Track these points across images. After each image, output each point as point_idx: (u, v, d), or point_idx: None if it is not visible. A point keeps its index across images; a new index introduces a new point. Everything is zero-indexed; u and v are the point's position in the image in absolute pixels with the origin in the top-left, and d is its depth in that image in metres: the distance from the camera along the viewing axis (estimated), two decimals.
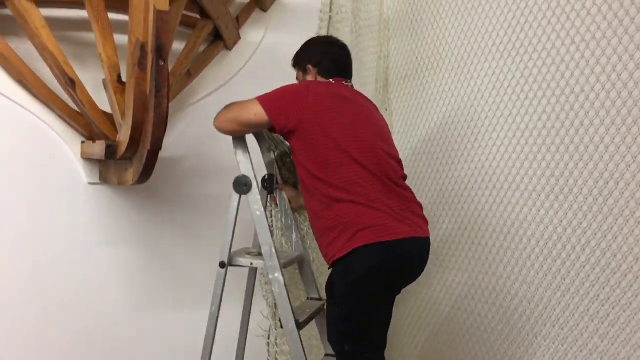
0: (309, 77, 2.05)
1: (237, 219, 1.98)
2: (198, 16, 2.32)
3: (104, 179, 2.19)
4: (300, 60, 2.10)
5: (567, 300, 2.12)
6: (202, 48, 2.45)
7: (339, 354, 1.86)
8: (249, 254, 2.08)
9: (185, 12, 2.20)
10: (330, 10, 2.75)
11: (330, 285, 1.85)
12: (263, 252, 1.90)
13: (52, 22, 1.99)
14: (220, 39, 2.47)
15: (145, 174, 1.85)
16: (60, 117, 2.13)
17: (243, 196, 1.94)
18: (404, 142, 2.81)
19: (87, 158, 2.16)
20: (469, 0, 2.49)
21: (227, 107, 1.92)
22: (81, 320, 2.17)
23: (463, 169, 2.51)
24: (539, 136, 2.21)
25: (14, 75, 2.02)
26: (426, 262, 1.90)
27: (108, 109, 2.05)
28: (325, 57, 2.04)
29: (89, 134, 2.16)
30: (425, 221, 1.91)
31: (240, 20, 2.55)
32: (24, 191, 2.09)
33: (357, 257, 1.74)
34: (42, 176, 2.14)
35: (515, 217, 2.29)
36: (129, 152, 1.87)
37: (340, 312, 1.82)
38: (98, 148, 2.00)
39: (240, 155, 1.94)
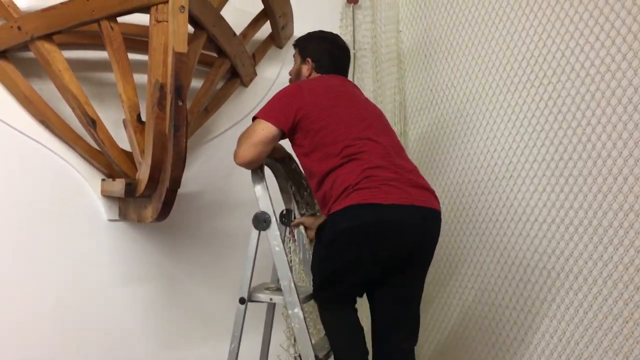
0: (305, 67, 2.09)
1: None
2: (215, 54, 2.36)
3: (123, 216, 2.22)
4: (304, 48, 2.12)
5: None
6: (219, 85, 2.49)
7: (314, 290, 1.93)
8: (267, 289, 2.07)
9: (202, 51, 2.24)
10: (354, 48, 2.79)
11: (320, 228, 1.92)
12: (282, 287, 1.90)
13: (73, 63, 2.03)
14: (237, 76, 2.52)
15: (164, 211, 1.87)
16: (82, 155, 2.17)
17: (262, 232, 1.94)
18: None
19: (107, 195, 2.19)
20: (482, 34, 2.51)
21: (239, 142, 1.94)
22: (101, 356, 2.18)
23: (480, 201, 2.50)
24: (556, 167, 2.20)
25: (37, 117, 2.07)
26: (430, 237, 1.85)
27: (128, 147, 2.09)
28: (326, 56, 2.08)
29: (109, 172, 2.19)
30: (432, 193, 1.86)
31: (256, 57, 2.59)
32: (46, 228, 2.12)
33: (348, 212, 1.75)
34: (63, 213, 2.17)
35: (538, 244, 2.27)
36: (148, 190, 1.89)
37: (321, 253, 1.88)
38: (118, 186, 2.03)
39: (259, 191, 1.95)
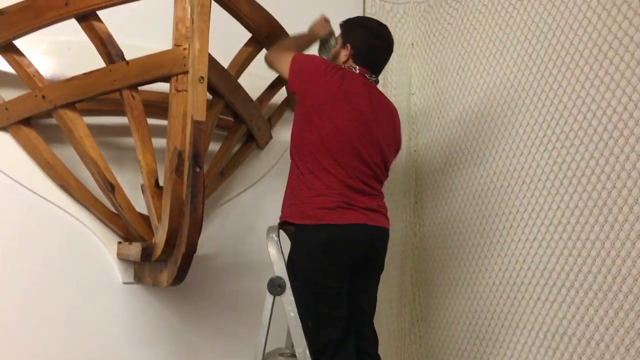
0: (343, 53, 2.08)
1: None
2: (232, 119, 2.41)
3: (138, 279, 2.23)
4: (347, 33, 2.11)
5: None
6: (235, 148, 2.53)
7: (305, 331, 1.90)
8: (282, 354, 2.05)
9: (219, 116, 2.29)
10: None
11: (289, 261, 1.94)
12: (297, 354, 1.87)
13: (94, 128, 2.09)
14: (253, 139, 2.56)
15: (180, 276, 1.87)
16: (99, 218, 2.20)
17: (277, 297, 1.93)
18: (433, 231, 2.81)
19: (123, 258, 2.20)
20: (494, 97, 2.54)
21: (280, 48, 2.10)
22: None
23: (497, 263, 2.48)
24: (572, 231, 2.19)
25: (57, 181, 2.12)
26: (379, 250, 2.02)
27: (145, 211, 2.11)
28: (366, 49, 2.06)
29: (126, 235, 2.22)
30: (385, 217, 2.04)
31: (272, 120, 2.64)
32: (62, 289, 2.14)
33: (310, 232, 1.89)
34: (79, 275, 2.19)
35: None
36: (164, 255, 1.90)
37: (299, 285, 1.91)
38: (134, 250, 2.04)
39: (274, 256, 1.95)
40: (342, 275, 1.92)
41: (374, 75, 2.09)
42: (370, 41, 2.08)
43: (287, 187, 2.02)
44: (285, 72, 2.01)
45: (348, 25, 2.13)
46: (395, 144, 2.15)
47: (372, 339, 2.06)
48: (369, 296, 2.07)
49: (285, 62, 2.01)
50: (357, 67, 2.05)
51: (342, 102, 1.94)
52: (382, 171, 2.06)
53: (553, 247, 2.26)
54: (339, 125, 1.92)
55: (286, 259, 1.95)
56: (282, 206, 2.02)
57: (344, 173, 1.92)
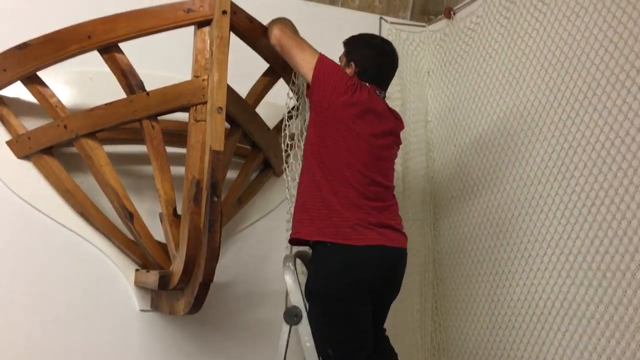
0: (348, 70, 2.05)
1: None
2: (249, 147, 2.43)
3: (155, 307, 2.23)
4: (351, 51, 2.09)
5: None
6: (252, 175, 2.55)
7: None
8: None
9: (237, 144, 2.32)
10: None
11: (307, 284, 1.93)
12: None
13: (113, 157, 2.12)
14: (270, 167, 2.58)
15: (197, 305, 1.88)
16: (117, 246, 2.22)
17: (293, 326, 1.93)
18: (451, 259, 2.79)
19: (140, 286, 2.22)
20: (510, 125, 2.54)
21: (295, 35, 2.04)
22: None
23: (515, 293, 2.45)
24: (592, 261, 2.16)
25: (77, 209, 2.15)
26: (397, 271, 2.00)
27: (162, 239, 2.13)
28: (373, 66, 2.05)
29: (144, 262, 2.23)
30: (402, 234, 2.01)
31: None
32: (79, 315, 2.16)
33: (330, 253, 1.87)
34: (96, 301, 2.21)
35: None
36: (181, 284, 1.91)
37: (318, 311, 1.89)
38: (151, 278, 2.05)
39: (290, 285, 1.95)
40: (366, 298, 1.90)
41: (383, 92, 2.10)
42: (376, 60, 2.07)
43: (298, 195, 1.99)
44: (306, 71, 1.95)
45: (352, 43, 2.12)
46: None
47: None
48: (381, 321, 2.07)
49: (307, 61, 1.96)
50: (367, 84, 2.03)
51: (358, 120, 1.93)
52: (391, 181, 2.05)
53: (573, 277, 2.22)
54: (352, 143, 1.92)
55: (303, 288, 1.94)
56: (293, 220, 1.99)
57: (356, 187, 1.90)
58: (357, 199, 1.89)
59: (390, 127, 2.05)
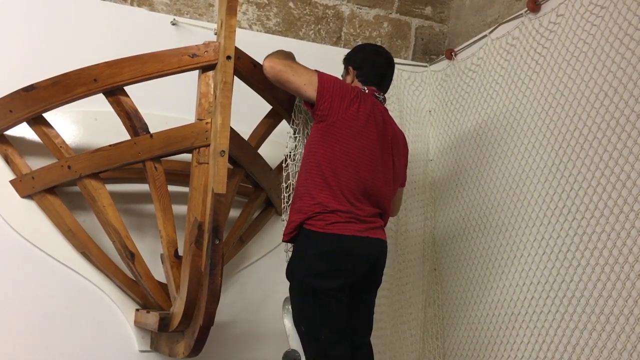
0: (348, 77, 2.17)
1: None
2: (251, 186, 2.44)
3: (155, 348, 2.22)
4: (348, 59, 2.23)
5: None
6: (255, 214, 2.55)
7: (300, 335, 1.91)
8: None
9: (240, 184, 2.33)
10: None
11: (288, 267, 1.97)
12: None
13: (116, 196, 2.13)
14: (272, 206, 2.58)
15: (197, 348, 1.87)
16: (118, 285, 2.21)
17: None
18: (451, 300, 2.78)
19: (140, 326, 2.20)
20: (512, 166, 2.55)
21: (289, 60, 2.04)
22: None
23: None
24: (591, 315, 2.15)
25: (79, 248, 2.15)
26: (377, 262, 2.03)
27: (163, 278, 2.12)
28: (368, 64, 2.16)
29: (144, 302, 2.22)
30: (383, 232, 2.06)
31: None
32: (79, 355, 2.15)
33: (311, 240, 1.90)
34: (97, 341, 2.20)
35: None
36: (181, 326, 1.90)
37: (296, 291, 1.92)
38: (152, 319, 2.04)
39: (289, 329, 1.94)
40: (344, 285, 1.92)
41: (382, 94, 2.16)
42: (370, 58, 2.19)
43: (294, 196, 2.04)
44: (310, 93, 1.97)
45: (348, 54, 2.26)
46: (402, 169, 2.22)
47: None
48: (364, 314, 2.07)
49: (308, 83, 1.97)
50: (366, 88, 2.11)
51: (358, 131, 1.99)
52: (385, 208, 2.08)
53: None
54: (350, 151, 1.97)
55: None
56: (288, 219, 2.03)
57: (348, 191, 1.94)
58: (348, 200, 1.93)
59: (392, 135, 2.10)
